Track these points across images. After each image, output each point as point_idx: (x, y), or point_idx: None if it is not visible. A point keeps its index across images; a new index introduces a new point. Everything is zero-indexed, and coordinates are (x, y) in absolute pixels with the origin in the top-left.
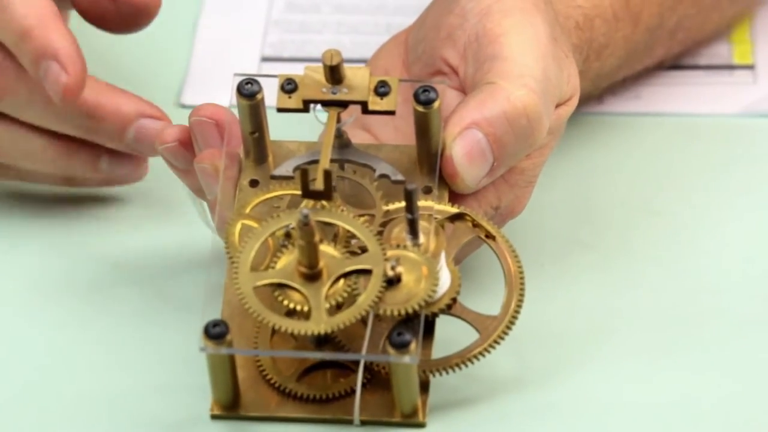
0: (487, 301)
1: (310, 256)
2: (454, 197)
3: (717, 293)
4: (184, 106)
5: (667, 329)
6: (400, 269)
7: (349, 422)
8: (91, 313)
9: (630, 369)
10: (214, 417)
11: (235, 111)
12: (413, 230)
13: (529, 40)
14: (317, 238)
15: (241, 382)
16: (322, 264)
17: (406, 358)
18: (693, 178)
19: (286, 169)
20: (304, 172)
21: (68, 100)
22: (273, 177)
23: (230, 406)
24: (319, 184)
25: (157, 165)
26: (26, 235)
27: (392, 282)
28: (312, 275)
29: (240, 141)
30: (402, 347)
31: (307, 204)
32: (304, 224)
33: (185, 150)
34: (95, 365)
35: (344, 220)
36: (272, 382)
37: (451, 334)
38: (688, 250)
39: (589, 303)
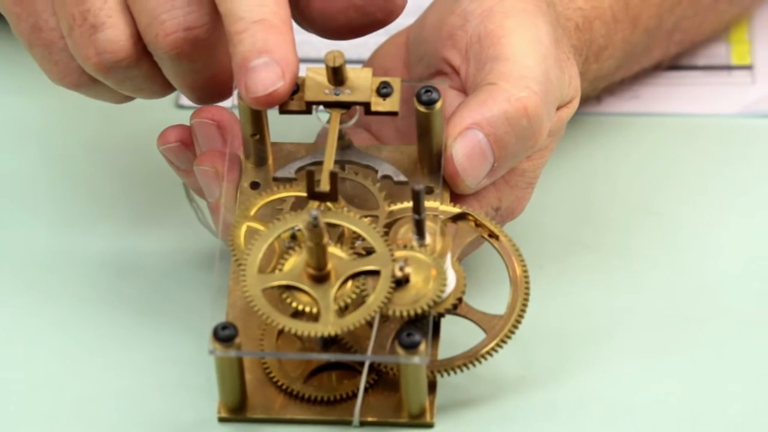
0: (490, 301)
1: (319, 258)
2: (455, 198)
3: (717, 293)
4: (182, 107)
5: (668, 329)
6: (408, 270)
7: (360, 424)
8: (93, 314)
9: (632, 368)
10: (221, 420)
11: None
12: (420, 231)
13: (531, 42)
14: (326, 239)
15: (247, 384)
16: (330, 265)
17: (416, 359)
18: (692, 178)
19: (288, 171)
20: (310, 174)
21: (265, 105)
22: (275, 179)
23: (237, 409)
24: (324, 186)
25: (157, 164)
26: (28, 235)
27: (400, 283)
28: (320, 277)
29: (241, 142)
30: (412, 348)
31: (311, 206)
32: (314, 226)
33: (187, 150)
34: (99, 366)
35: (351, 221)
36: (279, 384)
37: (452, 334)
38: (687, 250)
39: (589, 303)
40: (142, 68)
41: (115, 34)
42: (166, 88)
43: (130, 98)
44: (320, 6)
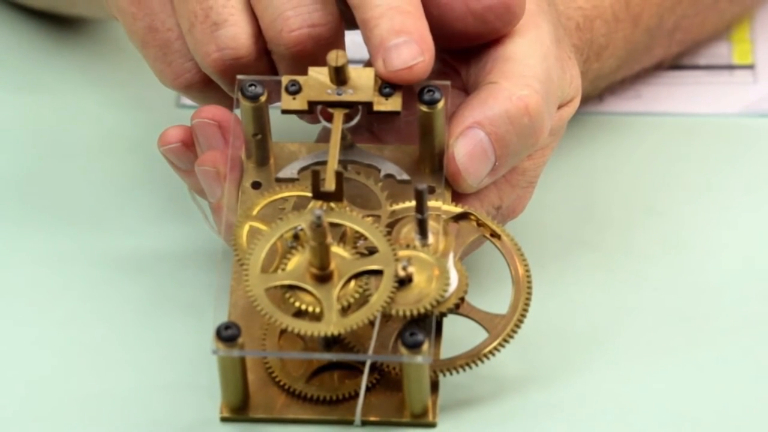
0: (491, 300)
1: (322, 258)
2: (456, 197)
3: (718, 292)
4: (183, 107)
5: (669, 328)
6: (411, 269)
7: (361, 423)
8: (95, 314)
9: (633, 368)
10: (223, 419)
11: (238, 112)
12: (422, 230)
13: (533, 41)
14: (329, 239)
15: (249, 384)
16: (333, 265)
17: (419, 358)
18: (693, 177)
19: (290, 171)
20: (315, 174)
21: (405, 80)
22: (278, 179)
23: (240, 409)
24: (329, 185)
25: (158, 164)
26: (31, 234)
27: (403, 282)
28: (323, 276)
29: (242, 142)
30: (415, 347)
31: (314, 205)
32: (317, 225)
33: (188, 150)
34: (101, 366)
35: (354, 221)
36: (281, 383)
37: (454, 334)
38: (688, 249)
39: (590, 303)
40: (259, 68)
41: (237, 31)
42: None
43: (231, 109)
44: (438, 13)
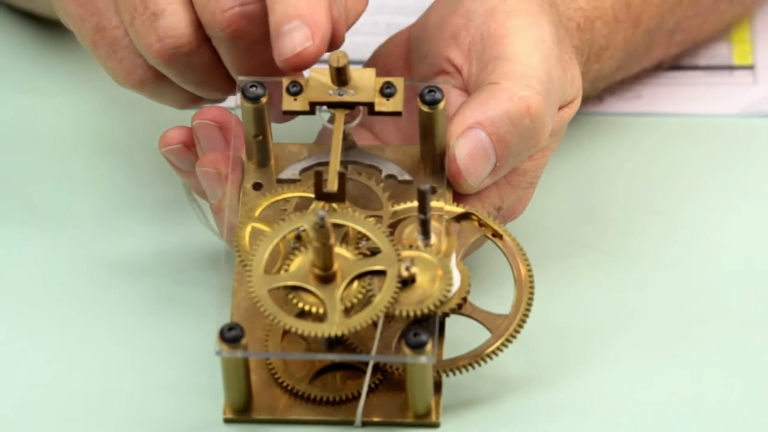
0: (493, 300)
1: (325, 258)
2: (457, 198)
3: (718, 293)
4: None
5: (669, 329)
6: (414, 270)
7: (365, 424)
8: (98, 315)
9: (635, 368)
10: (227, 421)
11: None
12: (425, 231)
13: (534, 42)
14: (332, 239)
15: (252, 385)
16: (336, 266)
17: (423, 359)
18: (693, 178)
19: (292, 172)
20: (318, 175)
21: (295, 66)
22: (279, 180)
23: (243, 410)
24: (332, 186)
25: (161, 164)
26: (33, 235)
27: (406, 283)
28: (326, 277)
29: (243, 143)
30: (418, 347)
31: (316, 206)
32: (321, 226)
33: (188, 151)
34: (104, 367)
35: (357, 221)
36: (284, 384)
37: (456, 334)
38: (688, 249)
39: (591, 303)
40: (203, 56)
41: (176, 20)
42: (227, 81)
43: (193, 102)
44: None
